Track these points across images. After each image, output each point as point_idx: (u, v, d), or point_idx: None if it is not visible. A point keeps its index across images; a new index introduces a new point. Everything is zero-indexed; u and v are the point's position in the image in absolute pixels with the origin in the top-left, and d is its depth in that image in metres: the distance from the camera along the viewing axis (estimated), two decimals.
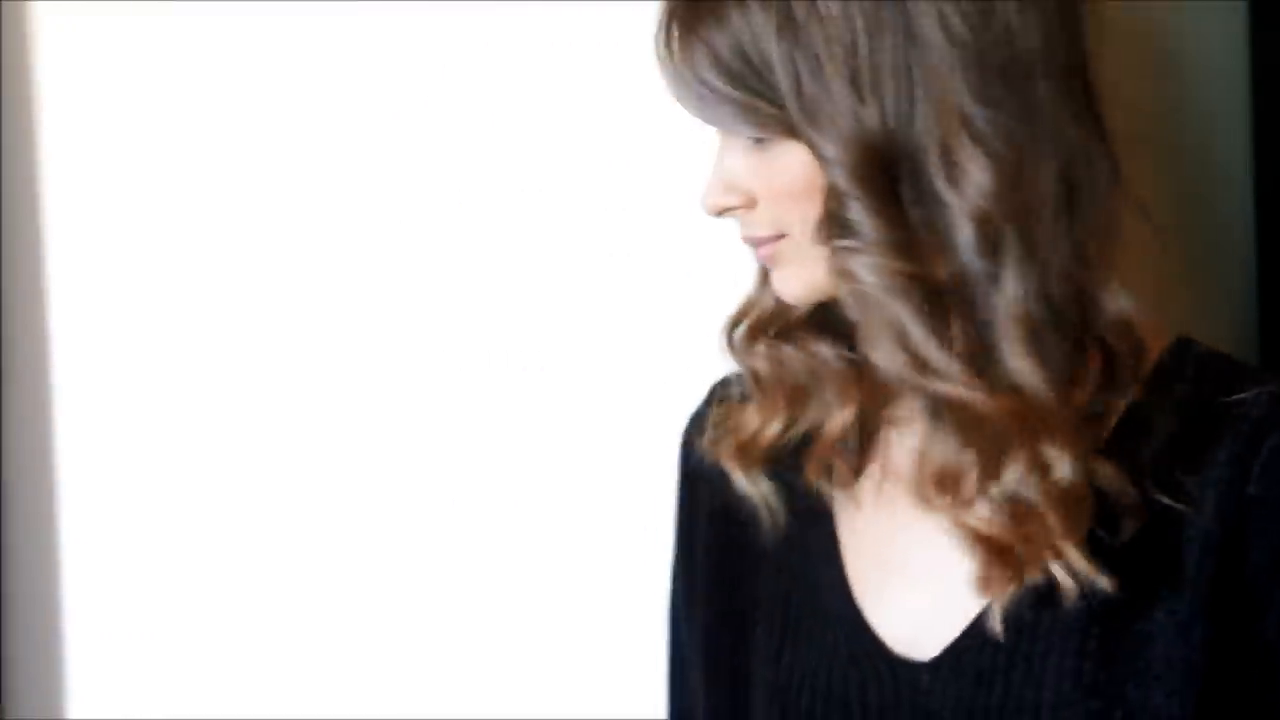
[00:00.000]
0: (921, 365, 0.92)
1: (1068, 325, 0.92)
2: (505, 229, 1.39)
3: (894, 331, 0.92)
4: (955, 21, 0.90)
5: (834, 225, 0.92)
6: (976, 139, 0.90)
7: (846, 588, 1.03)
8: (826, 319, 1.03)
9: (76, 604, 1.54)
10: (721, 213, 0.99)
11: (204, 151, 1.46)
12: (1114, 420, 0.94)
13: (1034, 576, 0.92)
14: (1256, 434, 0.92)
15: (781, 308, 1.04)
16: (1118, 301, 0.92)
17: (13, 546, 1.52)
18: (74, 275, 1.52)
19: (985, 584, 0.93)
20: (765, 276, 1.04)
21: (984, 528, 0.93)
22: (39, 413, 1.56)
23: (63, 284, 1.52)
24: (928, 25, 0.89)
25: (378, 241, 1.43)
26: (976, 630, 0.96)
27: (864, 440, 1.04)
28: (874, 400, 1.02)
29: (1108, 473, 0.92)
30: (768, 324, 1.04)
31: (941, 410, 0.93)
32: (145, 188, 1.48)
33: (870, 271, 0.91)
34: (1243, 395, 0.93)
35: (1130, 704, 0.93)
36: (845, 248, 0.91)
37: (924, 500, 0.95)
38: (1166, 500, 0.93)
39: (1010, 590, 0.93)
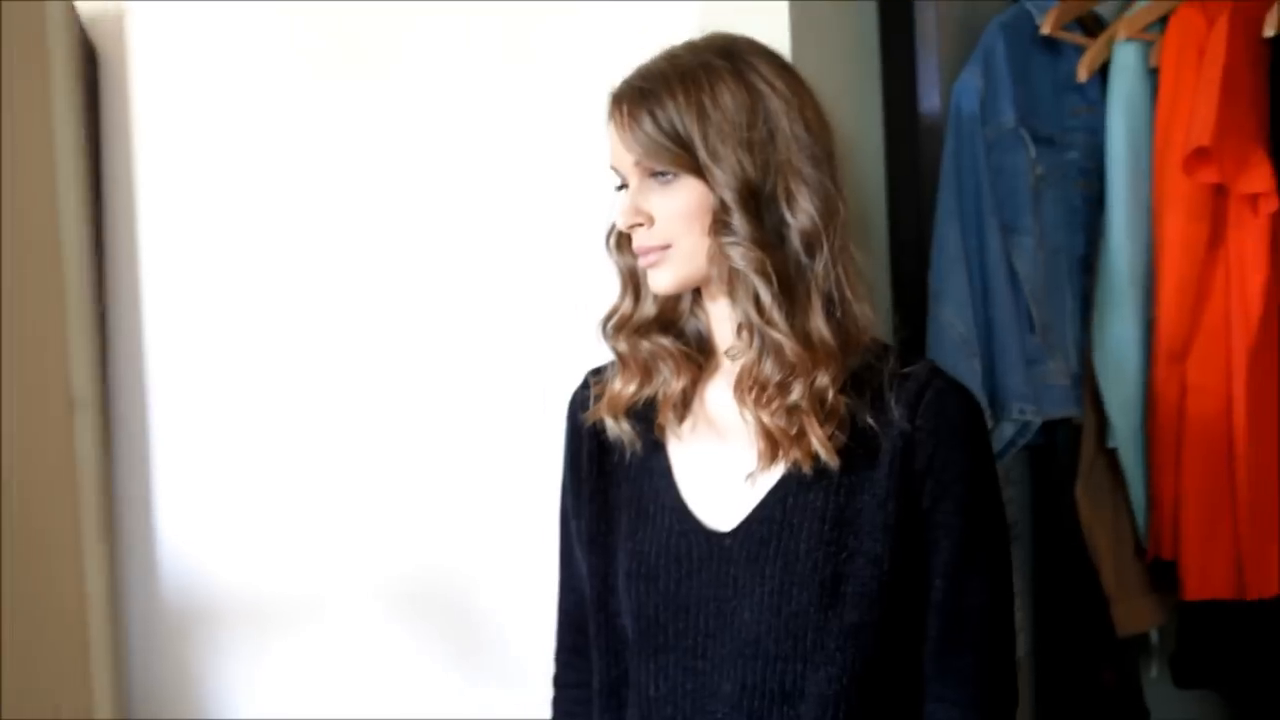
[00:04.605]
0: (766, 317, 1.45)
1: (841, 310, 1.47)
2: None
3: (752, 295, 1.45)
4: (796, 119, 1.46)
5: (721, 228, 1.45)
6: (807, 185, 1.46)
7: (676, 490, 1.55)
8: (665, 322, 1.56)
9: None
10: (631, 228, 1.48)
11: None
12: (848, 376, 1.47)
13: (795, 458, 1.45)
14: (920, 390, 1.47)
15: (638, 311, 1.55)
16: (862, 307, 1.48)
17: None
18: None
19: (765, 459, 1.47)
20: (628, 289, 1.55)
21: (769, 423, 1.47)
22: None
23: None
24: (782, 121, 1.46)
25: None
26: (758, 511, 1.50)
27: (685, 400, 1.56)
28: (694, 375, 1.56)
29: (846, 402, 1.46)
30: (628, 321, 1.56)
31: (768, 346, 1.46)
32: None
33: (741, 257, 1.45)
34: (912, 368, 1.49)
35: (850, 546, 1.46)
36: (728, 242, 1.45)
37: (741, 400, 1.47)
38: (874, 425, 1.47)
39: (779, 473, 1.46)
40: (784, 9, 1.79)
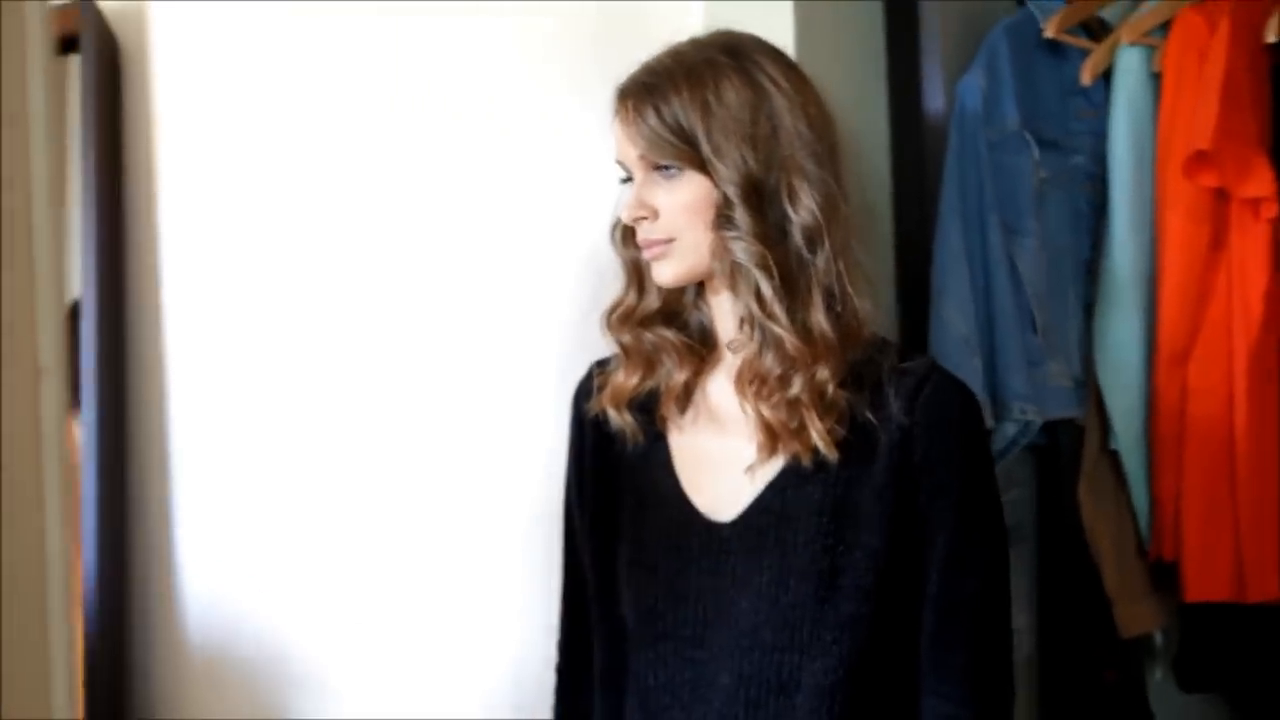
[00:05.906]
0: (768, 311, 1.46)
1: (841, 305, 1.48)
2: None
3: (754, 289, 1.46)
4: (799, 116, 1.47)
5: (724, 222, 1.46)
6: (809, 181, 1.47)
7: (677, 482, 1.56)
8: (669, 314, 1.58)
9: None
10: (636, 221, 1.49)
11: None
12: (847, 370, 1.48)
13: (795, 451, 1.46)
14: (918, 385, 1.48)
15: (642, 304, 1.56)
16: (863, 302, 1.49)
17: None
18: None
19: (764, 451, 1.48)
20: (632, 282, 1.56)
21: (769, 416, 1.48)
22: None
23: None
24: (785, 118, 1.47)
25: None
26: (757, 503, 1.51)
27: (687, 392, 1.58)
28: (696, 367, 1.58)
29: (845, 396, 1.48)
30: (632, 314, 1.58)
31: (769, 340, 1.47)
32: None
33: (743, 251, 1.46)
34: (911, 363, 1.50)
35: (848, 539, 1.47)
36: (731, 236, 1.46)
37: (741, 393, 1.48)
38: (872, 419, 1.48)
39: (779, 466, 1.48)
40: (789, 9, 1.80)
